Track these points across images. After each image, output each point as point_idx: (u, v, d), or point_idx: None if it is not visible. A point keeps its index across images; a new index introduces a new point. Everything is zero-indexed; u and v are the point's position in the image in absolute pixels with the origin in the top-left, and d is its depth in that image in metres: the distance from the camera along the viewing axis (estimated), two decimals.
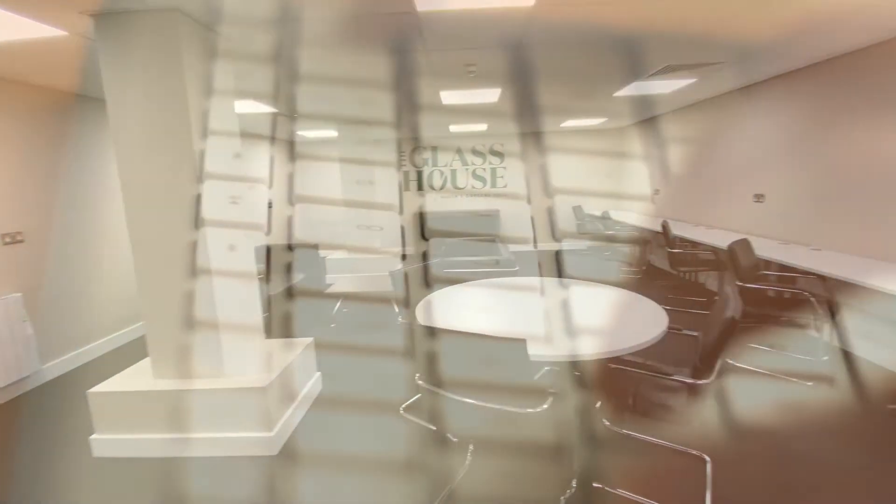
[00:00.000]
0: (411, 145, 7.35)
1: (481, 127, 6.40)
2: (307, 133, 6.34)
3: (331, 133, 5.82)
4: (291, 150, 7.07)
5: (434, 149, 7.35)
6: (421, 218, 7.32)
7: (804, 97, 3.42)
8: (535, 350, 1.35)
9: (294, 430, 2.27)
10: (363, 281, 4.81)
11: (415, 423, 2.19)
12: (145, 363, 2.32)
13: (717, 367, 1.55)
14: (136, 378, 2.23)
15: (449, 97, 4.06)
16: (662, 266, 5.26)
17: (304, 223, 7.33)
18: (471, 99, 4.21)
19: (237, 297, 2.26)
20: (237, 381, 2.12)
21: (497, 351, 1.30)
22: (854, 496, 1.72)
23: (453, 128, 6.33)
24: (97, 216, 3.53)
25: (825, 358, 2.84)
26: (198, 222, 2.04)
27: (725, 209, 4.46)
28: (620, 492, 1.74)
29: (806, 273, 2.73)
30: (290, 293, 3.62)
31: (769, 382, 2.57)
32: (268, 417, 2.08)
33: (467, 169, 7.43)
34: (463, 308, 2.05)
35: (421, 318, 1.82)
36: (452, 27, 2.36)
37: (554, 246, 7.57)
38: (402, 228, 7.19)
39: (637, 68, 3.36)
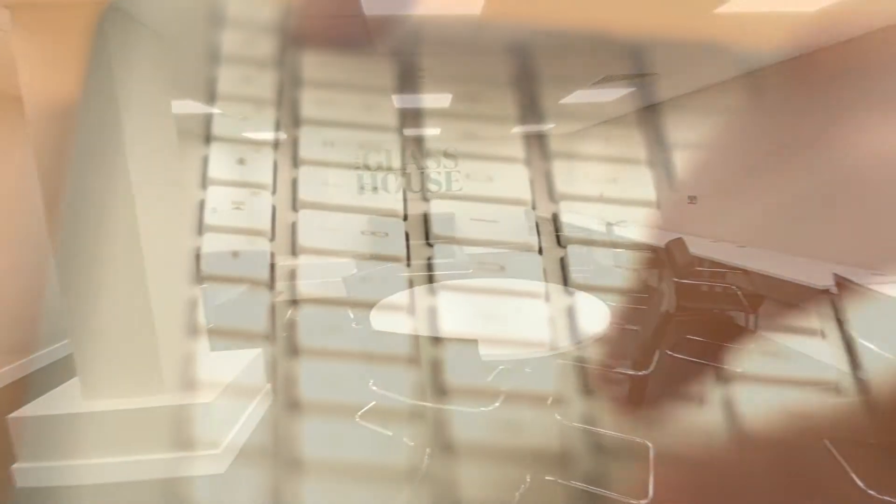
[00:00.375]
0: (365, 149, 7.27)
1: (434, 131, 6.45)
2: (253, 135, 6.11)
3: (280, 135, 5.65)
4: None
5: (389, 152, 7.32)
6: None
7: (729, 107, 3.73)
8: (486, 350, 1.38)
9: (243, 446, 2.18)
10: (314, 288, 4.70)
11: (371, 430, 2.17)
12: (73, 383, 2.15)
13: (656, 358, 1.66)
14: (63, 399, 2.06)
15: (401, 101, 4.07)
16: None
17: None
18: (423, 103, 4.24)
19: (177, 308, 2.14)
20: (179, 398, 2.00)
21: (450, 352, 1.32)
22: (782, 470, 1.89)
23: (407, 131, 6.34)
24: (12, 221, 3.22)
25: (751, 345, 3.11)
26: (133, 227, 1.92)
27: (661, 211, 4.76)
28: (573, 483, 1.81)
29: (733, 268, 2.98)
30: (241, 302, 3.47)
31: (705, 370, 2.78)
32: (213, 434, 1.99)
33: (421, 172, 7.46)
34: (417, 311, 2.05)
35: (376, 323, 1.81)
36: (401, 32, 2.38)
37: (502, 249, 7.73)
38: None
39: (579, 77, 3.53)
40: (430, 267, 3.07)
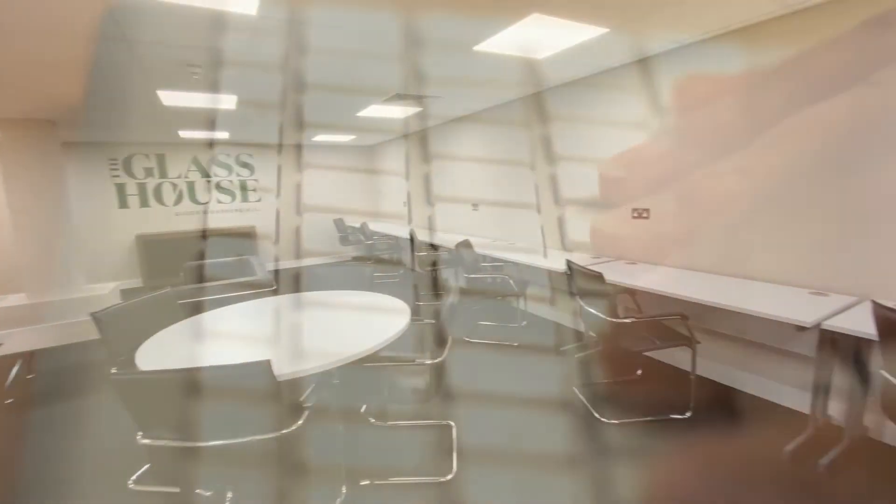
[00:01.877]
0: (126, 152, 5.95)
1: (222, 134, 5.75)
2: None
3: None
4: None
5: (161, 157, 6.16)
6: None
7: (498, 128, 4.48)
8: (282, 369, 1.32)
9: None
10: (54, 332, 3.61)
11: (152, 494, 1.79)
12: None
13: (448, 344, 1.87)
14: None
15: (170, 98, 3.49)
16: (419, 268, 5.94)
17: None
18: (202, 103, 3.74)
19: None
20: None
21: (239, 379, 1.21)
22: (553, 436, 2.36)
23: (184, 133, 5.47)
24: None
25: (524, 323, 3.82)
26: None
27: (454, 216, 5.40)
28: (391, 480, 1.88)
29: (504, 261, 3.60)
30: None
31: (492, 350, 3.27)
32: None
33: (209, 181, 6.54)
34: (198, 341, 1.80)
35: (144, 363, 1.51)
36: (162, 21, 2.05)
37: (317, 260, 7.50)
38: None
39: (372, 92, 3.69)
40: (222, 289, 2.73)
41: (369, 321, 2.00)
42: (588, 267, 2.32)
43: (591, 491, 1.79)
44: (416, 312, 2.06)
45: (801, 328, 1.75)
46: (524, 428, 2.26)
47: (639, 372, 2.82)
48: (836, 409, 2.12)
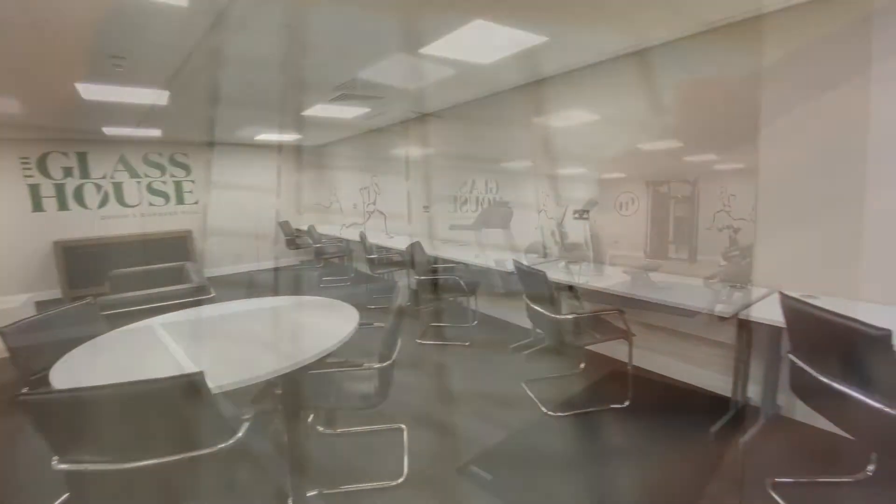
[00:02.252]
0: (40, 149, 5.38)
1: (154, 132, 5.35)
2: None
3: None
4: None
5: (82, 155, 5.63)
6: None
7: (451, 131, 4.51)
8: (218, 380, 1.25)
9: None
10: None
11: None
12: None
13: (397, 347, 1.86)
14: None
15: (92, 92, 3.21)
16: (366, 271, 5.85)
17: None
18: (128, 97, 3.46)
19: None
20: None
21: (169, 393, 1.13)
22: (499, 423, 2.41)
23: (109, 130, 5.04)
24: None
25: (475, 322, 3.87)
26: None
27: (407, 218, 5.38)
28: (342, 488, 1.83)
29: (455, 262, 3.63)
30: None
31: (443, 350, 3.29)
32: None
33: (140, 182, 6.07)
34: (125, 355, 1.66)
35: (60, 381, 1.38)
36: (80, 8, 1.88)
37: (266, 264, 7.19)
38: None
39: (315, 91, 3.59)
40: (152, 298, 2.54)
41: (315, 326, 1.94)
42: (532, 266, 2.40)
43: (540, 483, 1.85)
44: (364, 316, 2.03)
45: (722, 318, 1.91)
46: (474, 426, 2.29)
47: (582, 365, 2.95)
48: (754, 391, 2.33)
